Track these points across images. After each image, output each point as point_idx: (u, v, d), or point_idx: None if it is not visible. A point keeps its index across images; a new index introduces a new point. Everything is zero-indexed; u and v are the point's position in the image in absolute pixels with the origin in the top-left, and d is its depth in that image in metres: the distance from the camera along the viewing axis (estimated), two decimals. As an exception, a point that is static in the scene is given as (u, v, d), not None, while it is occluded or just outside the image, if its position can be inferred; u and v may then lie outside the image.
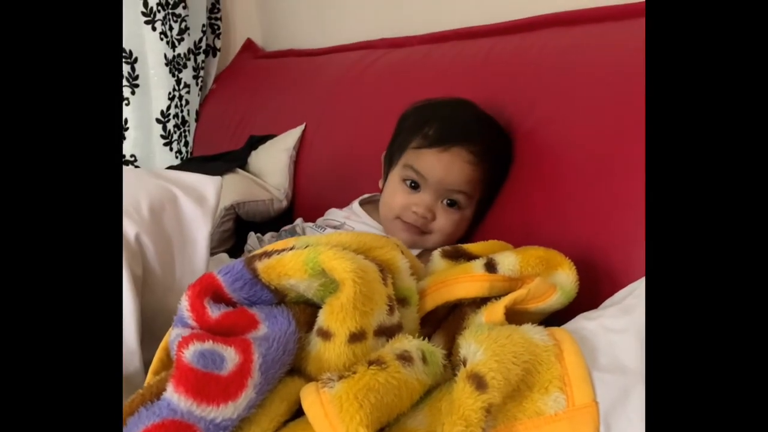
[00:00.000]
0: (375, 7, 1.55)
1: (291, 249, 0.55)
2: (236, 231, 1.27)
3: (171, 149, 1.96)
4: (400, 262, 0.61)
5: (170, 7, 1.87)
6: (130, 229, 0.67)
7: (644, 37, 0.83)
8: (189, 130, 1.98)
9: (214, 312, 0.51)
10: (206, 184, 0.76)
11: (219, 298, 0.53)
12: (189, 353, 0.47)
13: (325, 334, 0.53)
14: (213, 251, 1.00)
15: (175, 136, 1.95)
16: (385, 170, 0.98)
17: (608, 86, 0.82)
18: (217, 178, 0.78)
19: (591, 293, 0.67)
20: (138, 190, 0.70)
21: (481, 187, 0.88)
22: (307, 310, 0.56)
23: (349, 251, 0.56)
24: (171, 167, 1.48)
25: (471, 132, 0.88)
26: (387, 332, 0.56)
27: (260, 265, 0.54)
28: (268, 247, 0.57)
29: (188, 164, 1.54)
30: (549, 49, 0.94)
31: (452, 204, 0.88)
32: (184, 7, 1.89)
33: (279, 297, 0.56)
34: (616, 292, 0.62)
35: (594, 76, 0.85)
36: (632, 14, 0.88)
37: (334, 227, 1.01)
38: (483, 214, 0.92)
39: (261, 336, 0.50)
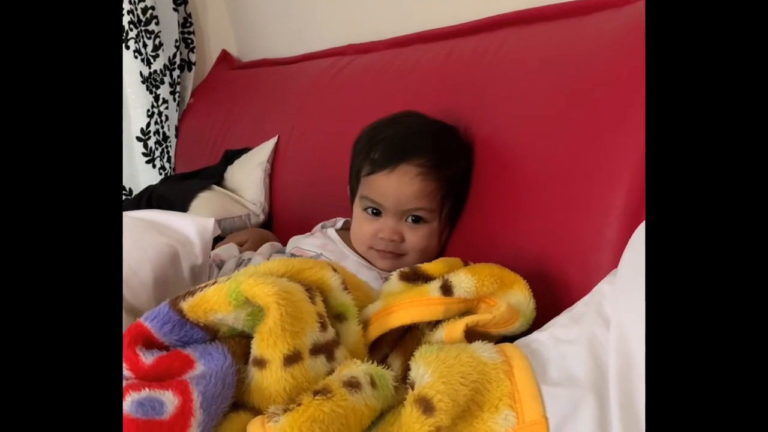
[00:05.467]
0: (344, 12, 1.54)
1: (214, 284, 0.55)
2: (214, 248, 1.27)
3: (154, 166, 1.95)
4: (330, 279, 0.62)
5: (142, 24, 1.86)
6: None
7: (600, 33, 0.83)
8: (170, 146, 1.97)
9: (147, 358, 0.51)
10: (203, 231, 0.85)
11: (151, 344, 0.53)
12: (127, 405, 0.47)
13: (260, 363, 0.53)
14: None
15: (157, 153, 1.95)
16: (351, 199, 0.97)
17: (564, 85, 0.81)
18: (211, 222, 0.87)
19: (549, 304, 0.67)
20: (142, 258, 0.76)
21: (440, 196, 0.87)
22: (242, 342, 0.56)
23: (272, 276, 0.55)
24: (149, 187, 1.48)
25: (415, 146, 0.87)
26: (324, 349, 0.55)
27: (185, 305, 0.54)
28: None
29: (165, 183, 1.54)
30: (505, 49, 0.93)
31: (417, 220, 0.88)
32: (157, 24, 1.88)
33: (211, 333, 0.56)
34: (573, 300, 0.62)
35: (550, 75, 0.84)
36: (589, 10, 0.87)
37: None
38: (455, 220, 0.91)
39: (198, 374, 0.50)
